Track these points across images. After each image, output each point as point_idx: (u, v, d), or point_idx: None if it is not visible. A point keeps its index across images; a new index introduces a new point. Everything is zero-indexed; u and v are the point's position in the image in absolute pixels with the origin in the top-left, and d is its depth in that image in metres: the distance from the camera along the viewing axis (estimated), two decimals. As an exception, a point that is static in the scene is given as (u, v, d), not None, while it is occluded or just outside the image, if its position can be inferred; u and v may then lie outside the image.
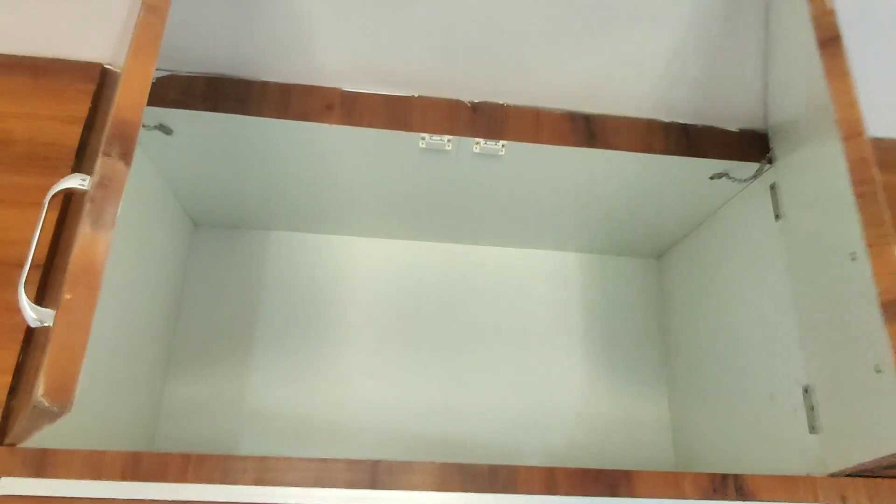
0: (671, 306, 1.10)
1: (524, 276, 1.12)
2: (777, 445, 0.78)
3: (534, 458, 1.01)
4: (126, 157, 0.37)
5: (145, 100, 0.41)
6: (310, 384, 1.01)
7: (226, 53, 0.76)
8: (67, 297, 0.35)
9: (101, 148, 0.36)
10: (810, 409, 0.72)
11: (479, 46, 0.76)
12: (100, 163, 0.36)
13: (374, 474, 0.61)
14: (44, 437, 0.63)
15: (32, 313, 0.42)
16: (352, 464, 0.62)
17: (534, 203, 0.95)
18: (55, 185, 0.42)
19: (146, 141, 0.81)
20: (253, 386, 1.00)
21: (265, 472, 0.61)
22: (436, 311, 1.08)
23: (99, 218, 0.35)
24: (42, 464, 0.58)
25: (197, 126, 0.78)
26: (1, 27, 0.71)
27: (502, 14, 0.72)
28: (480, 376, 1.05)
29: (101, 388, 0.78)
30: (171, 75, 0.77)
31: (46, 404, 0.36)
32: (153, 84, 0.76)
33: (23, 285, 0.44)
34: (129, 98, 0.39)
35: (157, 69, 0.77)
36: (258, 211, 1.01)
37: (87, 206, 0.36)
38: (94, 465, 0.59)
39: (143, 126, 0.77)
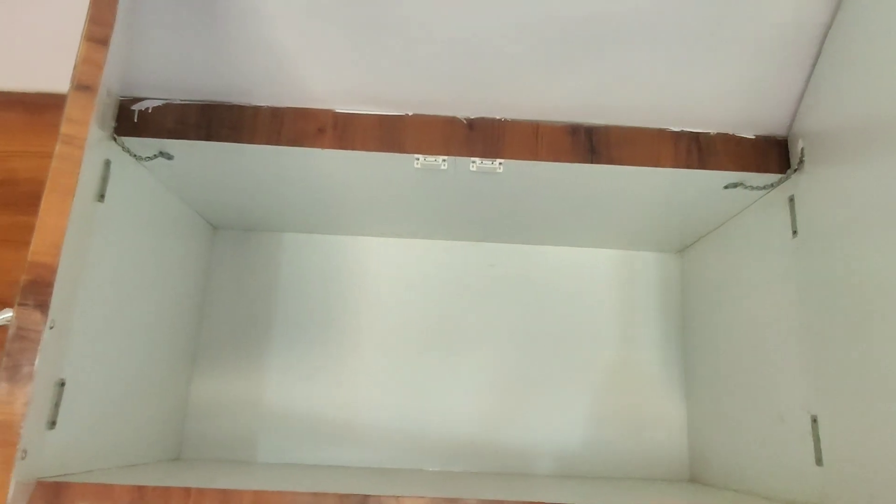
0: (691, 304, 1.06)
1: (540, 273, 1.10)
2: (783, 470, 0.76)
3: (546, 460, 1.02)
4: (43, 306, 0.38)
5: (62, 240, 0.42)
6: (325, 384, 1.04)
7: (217, 81, 0.75)
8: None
9: (18, 297, 0.37)
10: (817, 440, 0.70)
11: (472, 67, 0.73)
12: (16, 312, 0.37)
13: (363, 508, 0.64)
14: (83, 431, 0.68)
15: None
16: (342, 498, 0.64)
17: (540, 211, 0.92)
18: (-9, 321, 0.43)
19: (151, 165, 0.82)
20: (270, 386, 1.04)
21: (260, 504, 0.64)
22: (450, 310, 1.08)
23: (16, 373, 0.36)
24: (57, 495, 0.63)
25: (195, 152, 0.79)
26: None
27: (495, 36, 0.69)
28: (494, 375, 1.06)
29: (134, 389, 0.84)
30: (166, 104, 0.77)
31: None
32: (150, 113, 0.77)
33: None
34: (44, 240, 0.39)
35: (152, 98, 0.77)
36: (270, 216, 1.03)
37: (4, 360, 0.37)
38: (104, 496, 0.63)
39: (143, 158, 0.78)
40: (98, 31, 0.45)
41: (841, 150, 0.67)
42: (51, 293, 0.39)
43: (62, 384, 0.66)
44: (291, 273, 1.09)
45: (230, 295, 1.08)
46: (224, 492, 0.64)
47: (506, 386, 1.06)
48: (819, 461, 0.69)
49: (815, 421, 0.70)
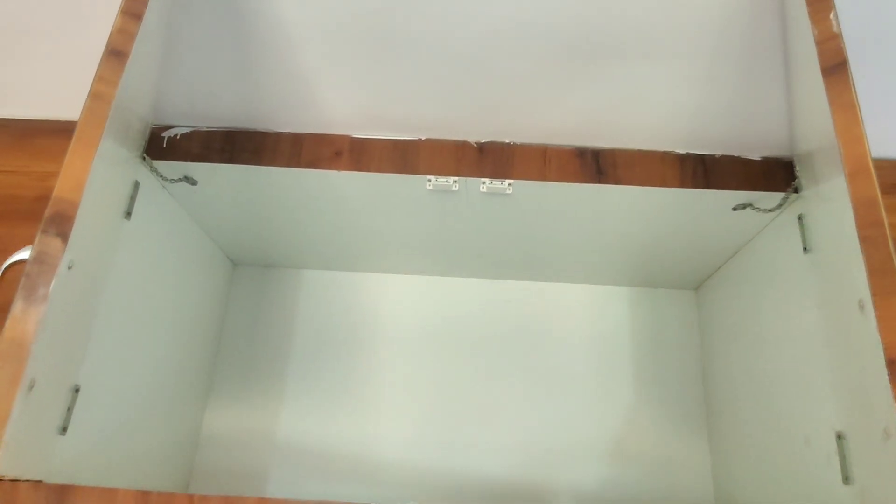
0: (710, 340, 1.05)
1: (557, 311, 1.10)
2: (811, 495, 0.72)
3: (563, 498, 0.98)
4: (63, 234, 0.40)
5: (85, 181, 0.45)
6: (339, 421, 1.03)
7: (242, 109, 0.80)
8: (-4, 368, 0.38)
9: (41, 225, 0.40)
10: (843, 458, 0.67)
11: (481, 90, 0.76)
12: (37, 240, 0.40)
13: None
14: (93, 444, 0.68)
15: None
16: (346, 507, 0.62)
17: (551, 238, 0.94)
18: (11, 257, 0.46)
19: (176, 192, 0.86)
20: (284, 422, 1.03)
21: (263, 516, 0.62)
22: (468, 347, 1.08)
23: (31, 293, 0.38)
24: (61, 497, 0.63)
25: (218, 176, 0.83)
26: (40, 92, 0.78)
27: (500, 58, 0.73)
28: (511, 412, 1.04)
29: (147, 411, 0.84)
30: (193, 131, 0.82)
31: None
32: (178, 139, 0.82)
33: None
34: (70, 179, 0.42)
35: (180, 126, 0.82)
36: (289, 250, 1.06)
37: (23, 281, 0.39)
38: (108, 500, 0.63)
39: (169, 180, 0.83)
40: (133, 7, 0.50)
41: (821, 167, 0.68)
42: (71, 226, 0.41)
43: (77, 390, 0.67)
44: (308, 309, 1.10)
45: (247, 329, 1.09)
46: (227, 498, 0.63)
47: (522, 425, 1.03)
48: (846, 480, 0.66)
49: (840, 438, 0.67)
